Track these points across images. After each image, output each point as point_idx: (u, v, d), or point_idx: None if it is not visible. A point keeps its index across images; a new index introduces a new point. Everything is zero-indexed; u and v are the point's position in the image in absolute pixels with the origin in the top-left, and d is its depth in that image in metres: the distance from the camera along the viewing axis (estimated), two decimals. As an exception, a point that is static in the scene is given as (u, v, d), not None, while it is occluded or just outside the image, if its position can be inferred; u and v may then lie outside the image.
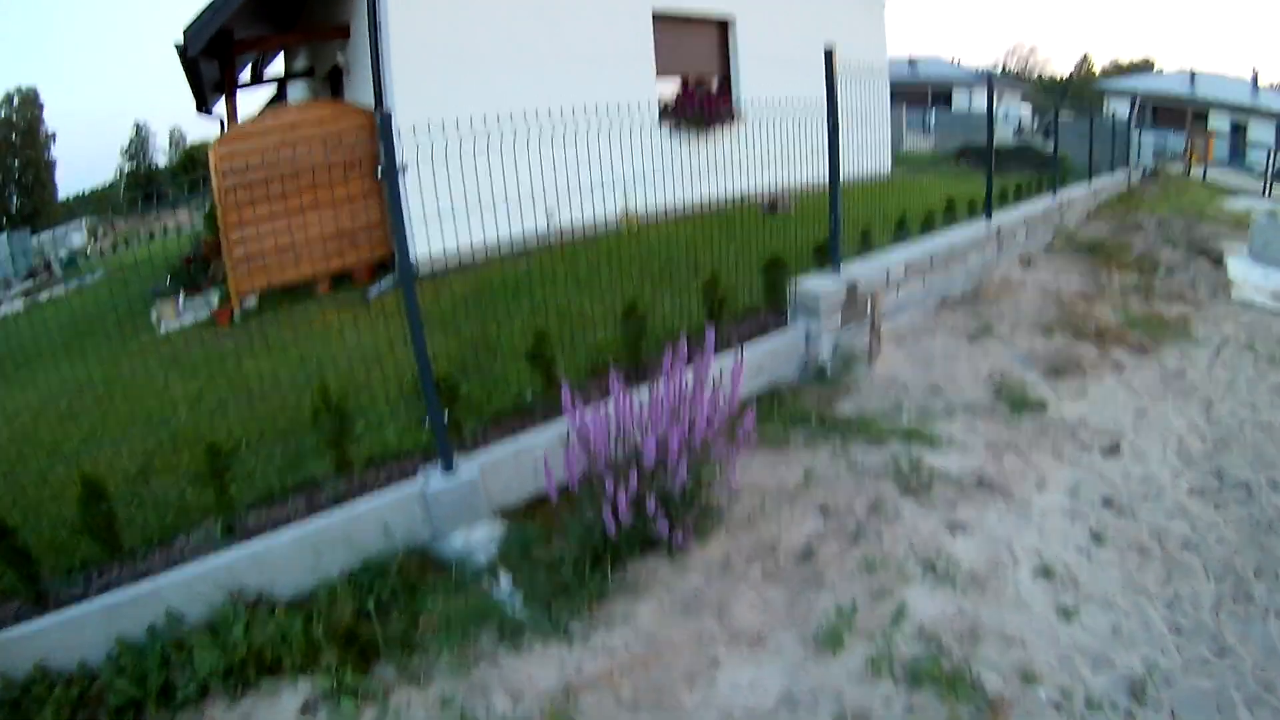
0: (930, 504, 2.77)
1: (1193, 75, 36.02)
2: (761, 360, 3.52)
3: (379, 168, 6.06)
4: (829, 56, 3.81)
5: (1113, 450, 3.30)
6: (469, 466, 2.54)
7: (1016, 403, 3.62)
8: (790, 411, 3.46)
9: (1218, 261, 7.55)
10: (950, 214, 6.08)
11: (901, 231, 5.18)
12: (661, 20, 8.18)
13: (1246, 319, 5.71)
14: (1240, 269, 7.55)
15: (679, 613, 2.28)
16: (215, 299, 6.37)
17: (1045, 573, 2.45)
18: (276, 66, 10.78)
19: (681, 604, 2.30)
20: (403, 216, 2.40)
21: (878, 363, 3.97)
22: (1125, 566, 2.53)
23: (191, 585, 2.24)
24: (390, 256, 6.23)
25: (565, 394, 2.35)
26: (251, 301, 6.10)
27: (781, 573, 2.44)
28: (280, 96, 10.77)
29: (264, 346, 4.58)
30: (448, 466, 2.52)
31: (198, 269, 7.02)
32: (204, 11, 6.24)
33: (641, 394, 2.51)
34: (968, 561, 2.40)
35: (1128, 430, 3.51)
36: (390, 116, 2.27)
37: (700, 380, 2.41)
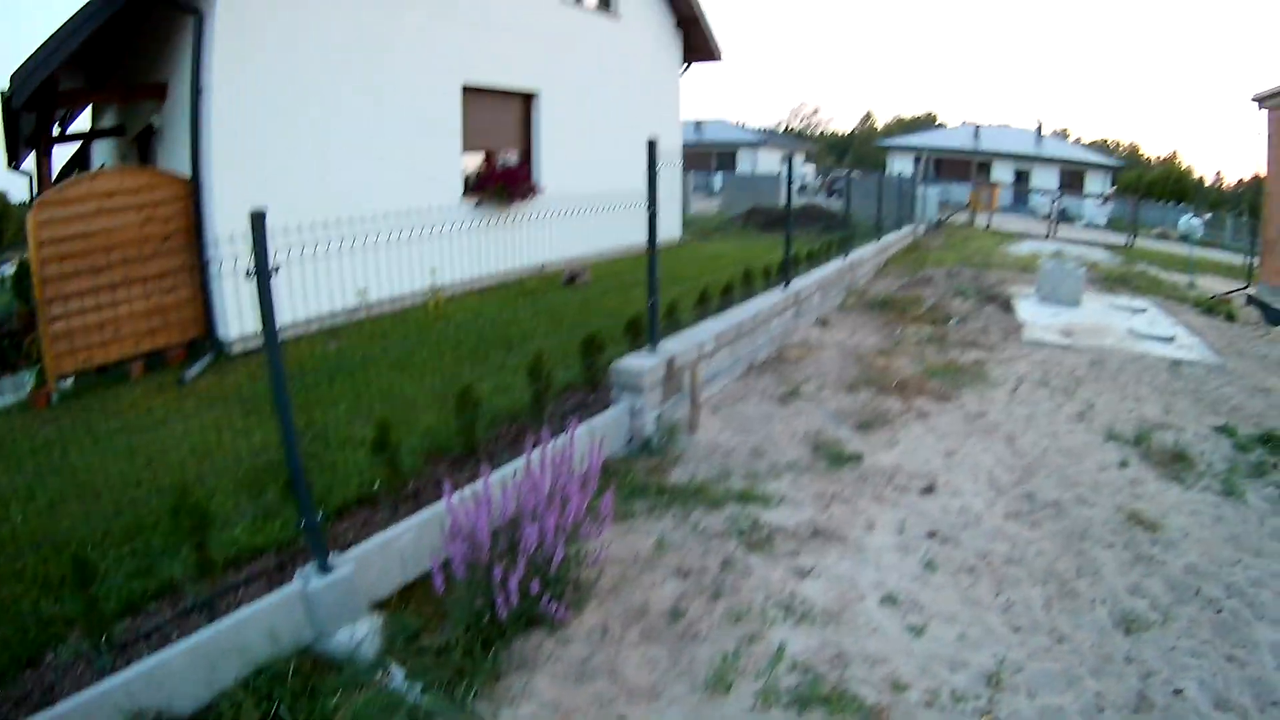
0: (775, 556, 4.72)
1: (976, 128, 57.88)
2: (594, 437, 5.33)
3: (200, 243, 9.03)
4: (651, 147, 6.20)
5: (929, 489, 5.78)
6: (343, 563, 3.92)
7: (834, 457, 6.15)
8: (628, 484, 5.47)
9: (1007, 306, 11.99)
10: (749, 282, 9.45)
11: (705, 303, 8.43)
12: (471, 93, 12.83)
13: (1039, 357, 9.55)
14: (1029, 311, 12.31)
15: (574, 680, 3.71)
16: (30, 379, 8.55)
17: (890, 600, 4.35)
18: (82, 122, 14.54)
19: (574, 672, 3.76)
20: (274, 321, 3.61)
21: (700, 431, 6.48)
22: (959, 586, 4.55)
23: (90, 714, 3.13)
24: (203, 337, 9.31)
25: (446, 489, 3.92)
26: (68, 383, 8.34)
27: (658, 632, 4.06)
28: (83, 155, 14.46)
29: (89, 436, 6.56)
30: (323, 565, 3.86)
31: (9, 344, 9.19)
32: (33, 57, 8.64)
33: (502, 476, 4.35)
34: (821, 601, 4.27)
35: (940, 470, 6.06)
36: (263, 216, 3.49)
37: (559, 463, 4.14)
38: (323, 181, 9.94)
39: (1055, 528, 5.23)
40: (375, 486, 4.94)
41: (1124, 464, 6.41)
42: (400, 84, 11.33)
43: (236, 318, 8.24)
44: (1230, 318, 15.28)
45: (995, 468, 6.09)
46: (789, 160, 10.32)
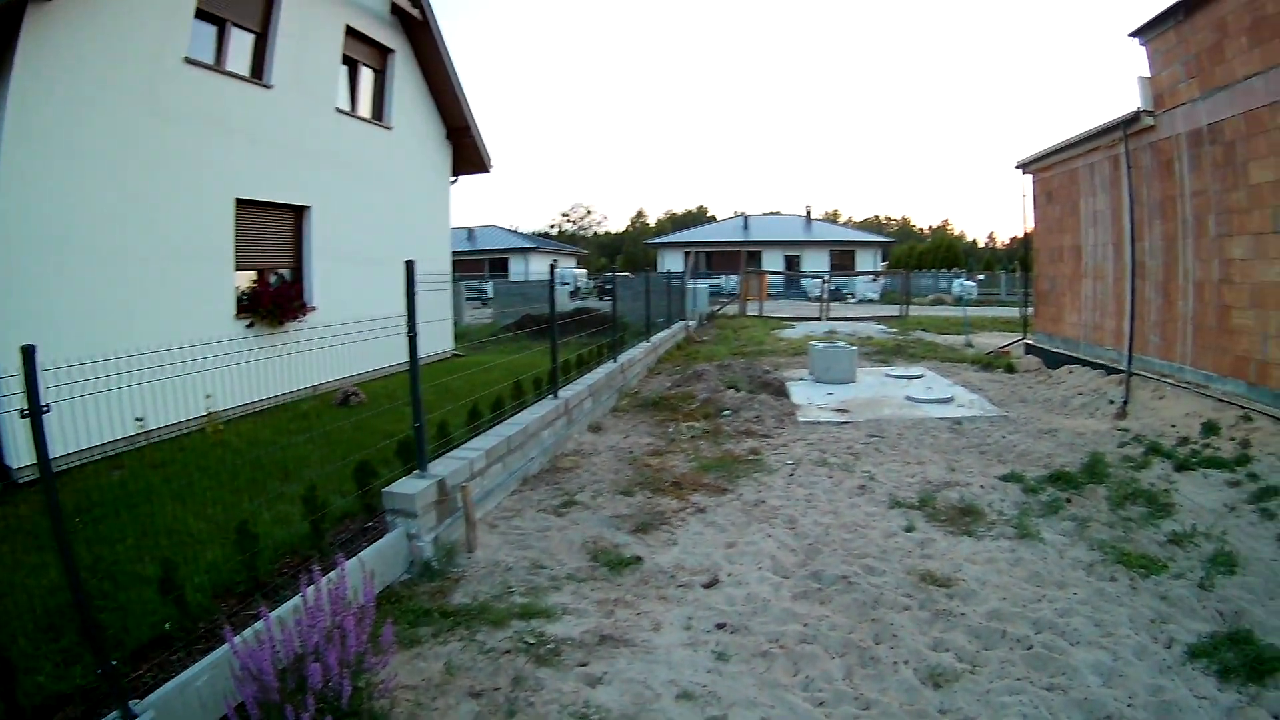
0: (564, 667, 4.81)
1: (746, 218, 64.91)
2: (373, 564, 5.52)
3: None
4: (409, 269, 6.43)
5: (713, 583, 5.97)
6: (145, 709, 3.84)
7: (614, 563, 6.29)
8: (412, 610, 5.57)
9: (781, 391, 13.04)
10: (519, 395, 9.66)
11: (477, 419, 8.59)
12: (244, 207, 12.88)
13: (816, 437, 10.15)
14: (804, 393, 13.11)
15: (387, 807, 3.94)
16: None
17: (686, 696, 4.45)
18: None
19: (386, 800, 3.98)
20: (49, 465, 3.59)
21: (479, 550, 6.65)
22: (755, 672, 4.68)
23: None
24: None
25: (228, 633, 3.96)
26: None
27: (459, 754, 4.20)
28: None
29: None
30: (126, 715, 3.75)
31: None
32: None
33: (282, 613, 4.39)
34: (616, 706, 4.43)
35: (722, 563, 6.29)
36: (33, 351, 3.43)
37: (336, 596, 4.21)
38: (92, 301, 9.81)
39: (846, 600, 5.47)
40: (167, 626, 4.91)
41: (910, 528, 6.85)
42: (170, 197, 11.20)
43: (26, 445, 8.01)
44: (1010, 369, 16.85)
45: (778, 552, 6.35)
46: (552, 267, 10.73)
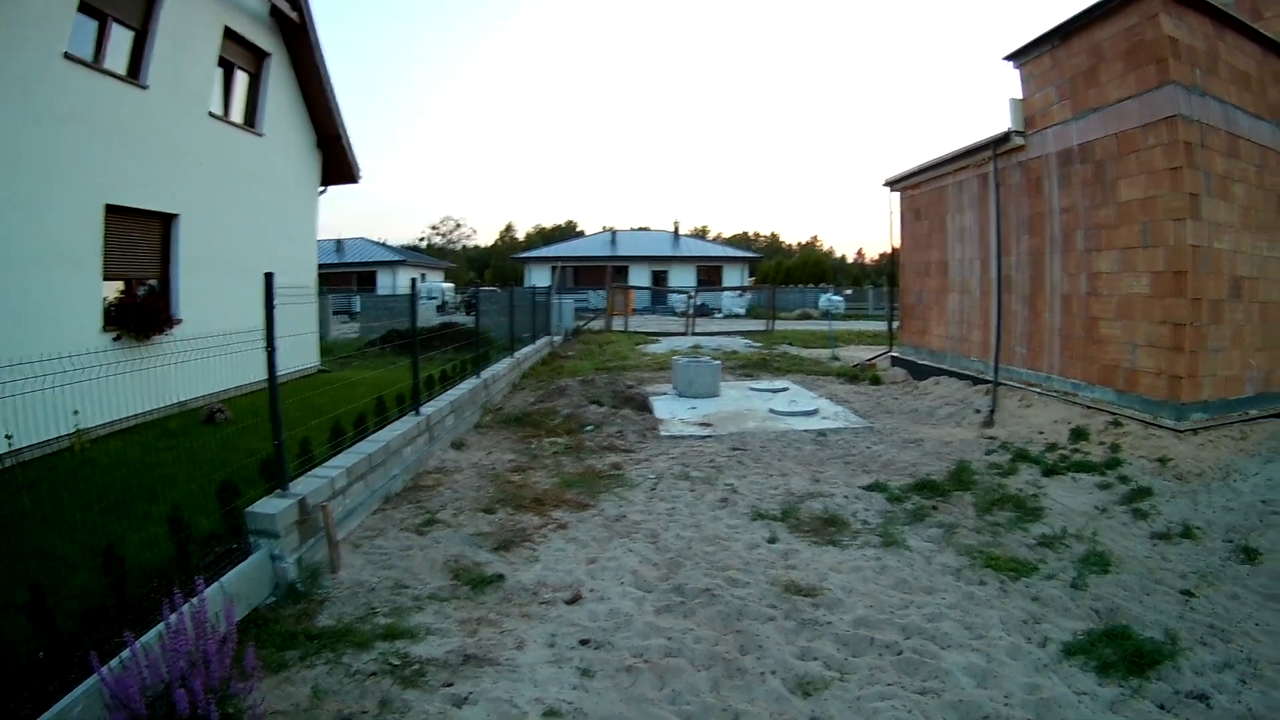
0: (430, 689, 4.81)
1: (614, 234, 66.78)
2: (238, 588, 5.54)
3: None
4: (268, 281, 6.36)
5: (575, 600, 5.96)
6: None
7: (476, 582, 6.25)
8: (277, 633, 5.51)
9: (644, 406, 13.25)
10: (382, 412, 9.53)
11: (339, 436, 8.42)
12: (114, 213, 12.46)
13: (678, 452, 10.28)
14: (667, 408, 13.30)
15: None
16: None
17: (553, 714, 4.46)
18: None
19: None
20: None
21: (343, 570, 6.59)
22: (621, 687, 4.69)
23: None
24: None
25: (94, 662, 3.91)
26: None
27: (327, 777, 4.30)
28: None
29: None
30: None
31: None
32: None
33: (147, 640, 4.35)
34: None
35: (584, 579, 6.29)
36: None
37: (199, 621, 4.20)
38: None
39: (710, 613, 5.53)
40: (41, 655, 4.75)
41: (773, 540, 6.97)
42: (39, 200, 10.80)
43: None
44: (876, 381, 17.43)
45: (640, 567, 6.41)
46: (414, 281, 10.63)
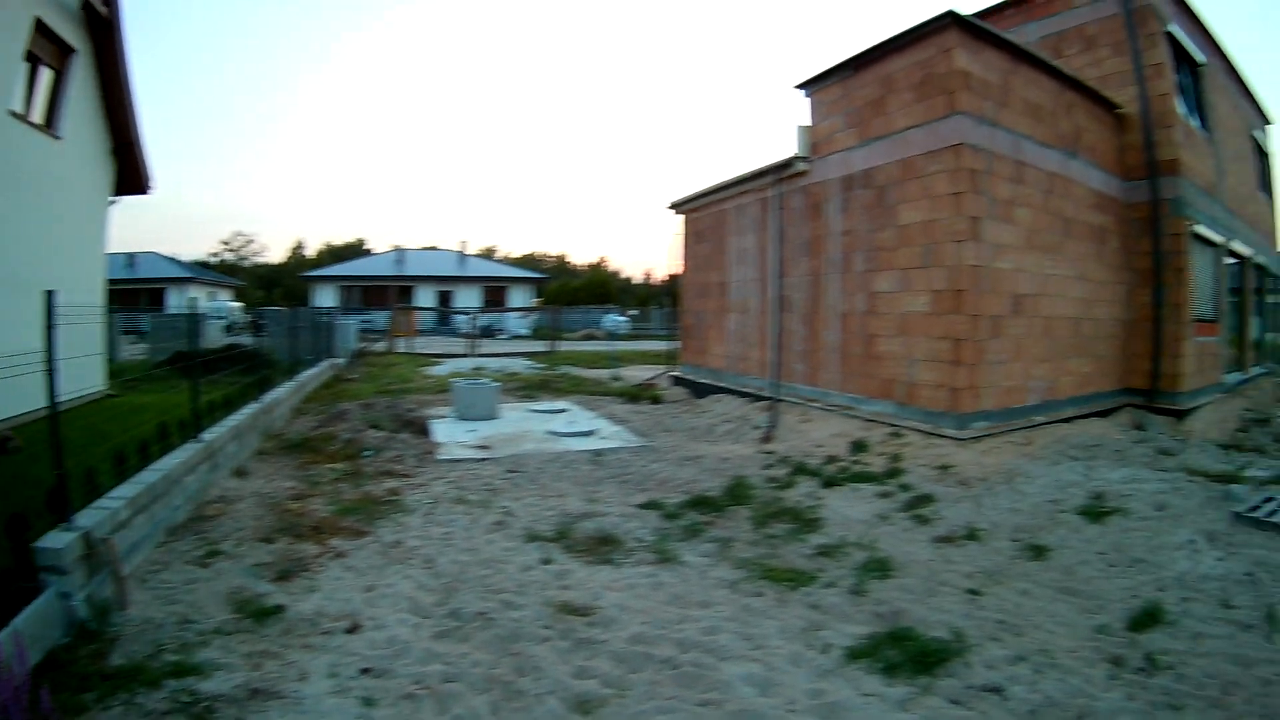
0: None
1: (401, 253, 65.81)
2: (32, 629, 5.30)
3: None
4: (49, 300, 6.03)
5: (354, 628, 5.86)
6: None
7: (258, 614, 6.08)
8: (74, 674, 5.31)
9: (423, 430, 13.12)
10: (165, 438, 8.94)
11: (123, 464, 7.91)
12: None
13: (455, 475, 10.26)
14: (446, 431, 13.23)
15: None
16: None
17: None
18: None
19: None
20: None
21: (131, 608, 6.30)
22: (403, 715, 4.67)
23: None
24: None
25: None
26: None
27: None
28: None
29: None
30: None
31: None
32: None
33: None
34: None
35: (363, 607, 6.21)
36: None
37: None
38: None
39: (487, 636, 5.56)
40: None
41: (547, 561, 7.03)
42: None
43: None
44: (657, 400, 17.86)
45: (416, 593, 6.39)
46: (194, 301, 10.16)
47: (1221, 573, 7.05)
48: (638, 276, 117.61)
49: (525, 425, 13.93)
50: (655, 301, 66.65)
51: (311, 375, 19.10)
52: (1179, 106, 15.91)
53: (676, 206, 20.25)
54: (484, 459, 11.20)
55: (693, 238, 19.74)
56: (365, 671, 5.21)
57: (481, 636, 5.60)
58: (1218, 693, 5.01)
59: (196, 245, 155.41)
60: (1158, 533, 8.02)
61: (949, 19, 11.26)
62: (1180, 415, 14.88)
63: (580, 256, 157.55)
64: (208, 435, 9.54)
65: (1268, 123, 27.73)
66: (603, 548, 7.37)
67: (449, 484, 9.76)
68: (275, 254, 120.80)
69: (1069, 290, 13.50)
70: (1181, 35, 16.55)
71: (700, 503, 8.72)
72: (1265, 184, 26.57)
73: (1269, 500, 8.95)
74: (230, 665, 5.39)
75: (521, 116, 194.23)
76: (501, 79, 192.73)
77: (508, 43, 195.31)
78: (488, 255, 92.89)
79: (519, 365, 26.52)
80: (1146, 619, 6.00)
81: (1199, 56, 17.64)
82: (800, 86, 14.33)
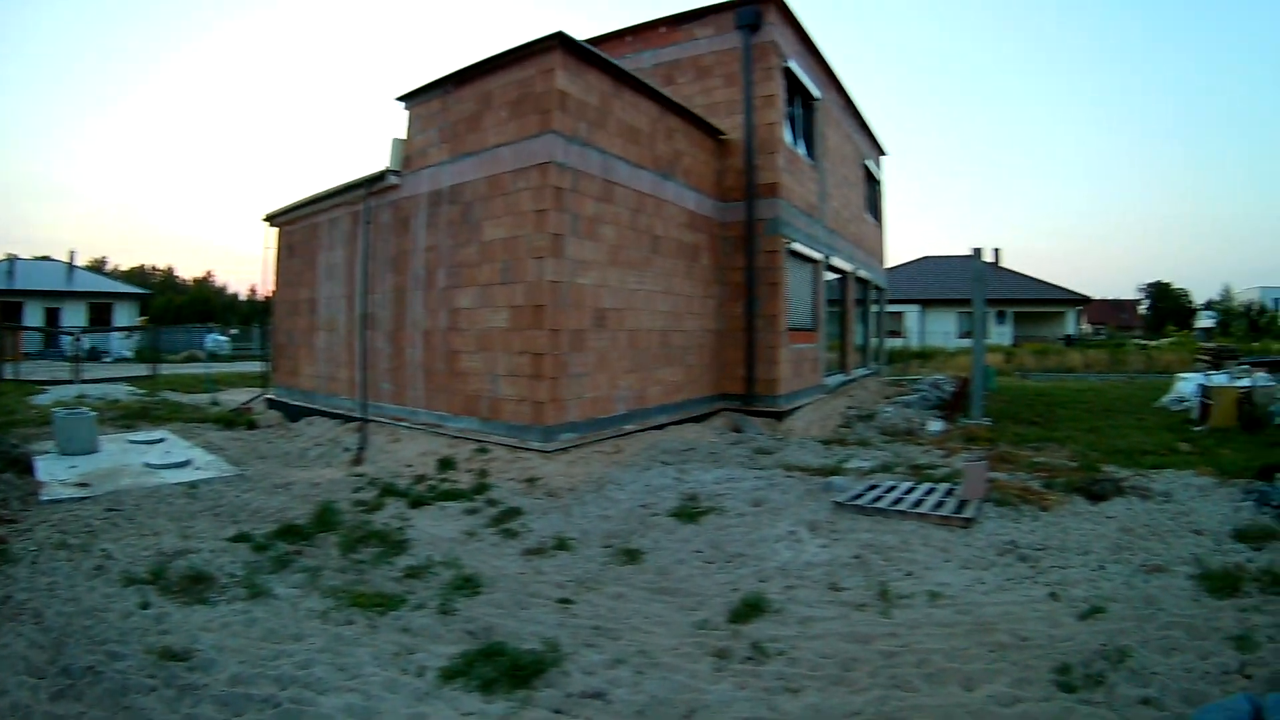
0: None
1: (12, 263, 58.13)
2: None
3: None
4: None
5: None
6: None
7: None
8: None
9: (28, 467, 12.25)
10: None
11: None
12: None
13: (58, 517, 9.73)
14: (49, 468, 12.54)
15: None
16: None
17: None
18: None
19: None
20: None
21: None
22: None
23: None
24: None
25: None
26: None
27: None
28: None
29: None
30: None
31: None
32: None
33: None
34: None
35: None
36: None
37: None
38: None
39: (98, 692, 5.43)
40: None
41: (145, 605, 6.88)
42: None
43: None
44: (252, 425, 17.68)
45: (29, 651, 6.00)
46: None
47: (827, 559, 7.78)
48: (245, 293, 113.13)
49: (124, 458, 13.39)
50: (259, 319, 65.09)
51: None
52: (786, 135, 17.87)
53: (271, 219, 20.10)
54: (84, 498, 10.69)
55: (286, 252, 19.72)
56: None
57: (93, 693, 5.48)
58: (838, 670, 5.47)
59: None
60: (756, 527, 8.81)
61: (556, 40, 11.97)
62: (780, 416, 16.62)
63: (188, 271, 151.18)
64: None
65: (882, 153, 31.51)
66: (197, 586, 7.31)
67: (52, 527, 9.25)
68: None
69: (656, 304, 14.67)
70: (799, 71, 18.63)
71: (289, 532, 8.78)
72: (874, 207, 30.16)
73: (873, 487, 10.21)
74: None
75: (143, 113, 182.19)
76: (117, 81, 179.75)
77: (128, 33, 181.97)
78: (98, 268, 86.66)
79: (120, 391, 24.97)
80: (749, 610, 6.48)
81: (815, 92, 19.90)
82: (401, 99, 14.62)
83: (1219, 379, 20.11)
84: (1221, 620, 6.02)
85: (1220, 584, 6.76)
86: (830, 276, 22.20)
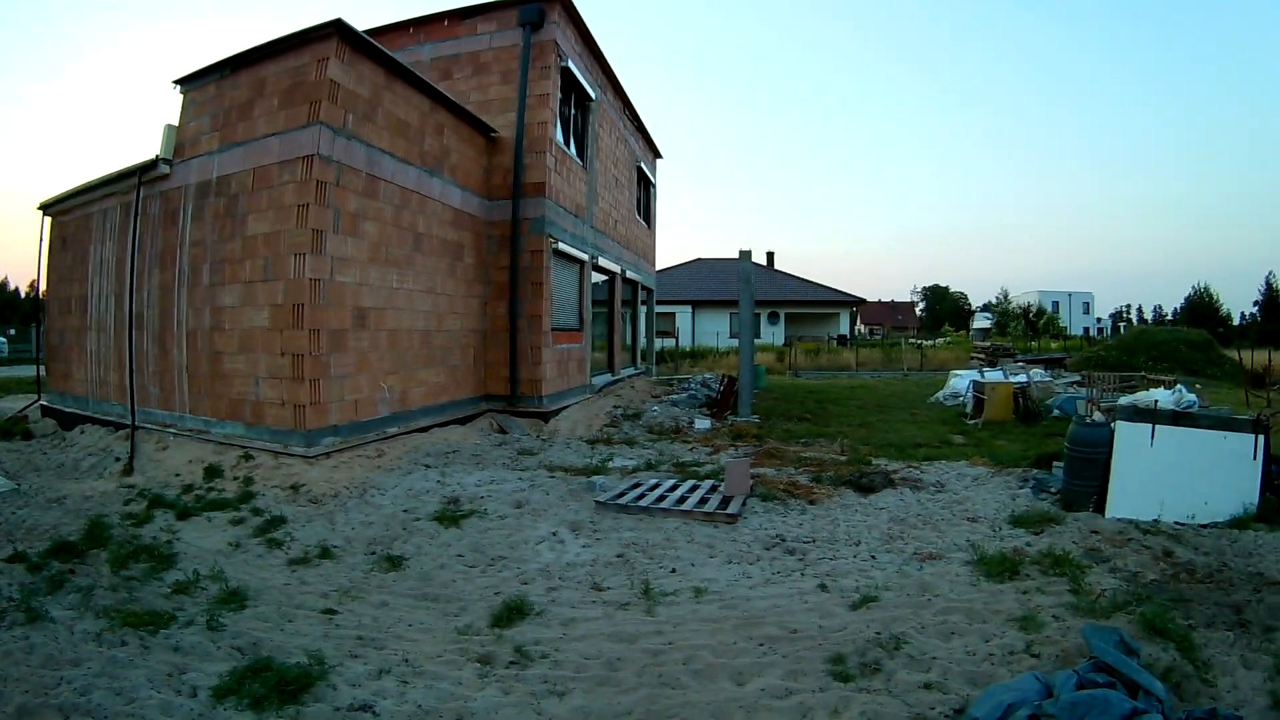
0: None
1: None
2: None
3: None
4: None
5: None
6: None
7: None
8: None
9: None
10: None
11: None
12: None
13: None
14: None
15: None
16: None
17: None
18: None
19: None
20: None
21: None
22: None
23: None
24: None
25: None
26: None
27: None
28: None
29: None
30: None
31: None
32: None
33: None
34: None
35: None
36: None
37: None
38: None
39: None
40: None
41: None
42: None
43: None
44: (28, 435, 16.53)
45: None
46: None
47: (590, 559, 8.03)
48: (25, 289, 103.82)
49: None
50: (36, 319, 61.15)
51: None
52: (558, 135, 18.11)
53: (46, 208, 18.45)
54: None
55: (59, 244, 18.32)
56: None
57: None
58: (604, 671, 5.58)
59: None
60: (518, 529, 9.00)
61: (333, 28, 11.87)
62: (545, 417, 16.96)
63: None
64: None
65: (658, 156, 32.15)
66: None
67: None
68: None
69: (418, 304, 14.72)
70: (578, 72, 18.90)
71: (62, 549, 8.37)
72: (646, 210, 30.72)
73: (636, 486, 10.58)
74: None
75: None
76: None
77: None
78: None
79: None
80: (512, 614, 6.60)
81: (591, 93, 20.25)
82: (177, 82, 14.01)
83: (994, 375, 21.79)
84: (1003, 603, 6.55)
85: (999, 568, 7.32)
86: (597, 277, 22.71)
